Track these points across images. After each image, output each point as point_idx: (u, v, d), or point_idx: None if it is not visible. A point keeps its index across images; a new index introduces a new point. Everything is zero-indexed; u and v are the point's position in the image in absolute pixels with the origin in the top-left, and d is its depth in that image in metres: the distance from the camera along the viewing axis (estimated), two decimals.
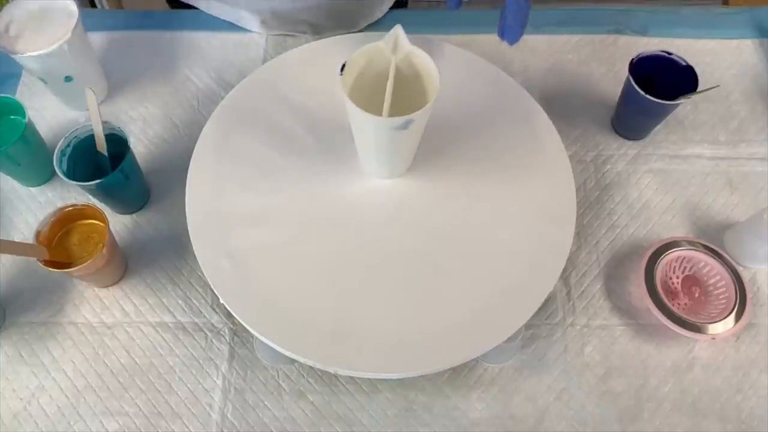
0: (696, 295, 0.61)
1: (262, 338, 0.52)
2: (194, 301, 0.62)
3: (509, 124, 0.63)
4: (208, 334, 0.61)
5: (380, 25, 0.80)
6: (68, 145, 0.61)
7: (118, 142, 0.61)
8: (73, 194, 0.67)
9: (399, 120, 0.49)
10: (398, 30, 0.52)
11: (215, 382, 0.59)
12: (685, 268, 0.63)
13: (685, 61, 0.66)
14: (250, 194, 0.59)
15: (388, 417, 0.58)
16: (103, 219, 0.58)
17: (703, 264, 0.62)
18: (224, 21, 0.80)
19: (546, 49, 0.78)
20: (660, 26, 0.80)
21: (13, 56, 0.62)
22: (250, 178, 0.60)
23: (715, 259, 0.61)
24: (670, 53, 0.66)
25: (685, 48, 0.72)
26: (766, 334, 0.61)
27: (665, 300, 0.59)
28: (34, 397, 0.58)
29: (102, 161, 0.62)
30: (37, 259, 0.56)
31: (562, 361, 0.60)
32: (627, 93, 0.67)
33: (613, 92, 0.70)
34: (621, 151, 0.71)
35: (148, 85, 0.75)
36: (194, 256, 0.55)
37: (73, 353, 0.60)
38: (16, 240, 0.65)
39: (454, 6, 0.55)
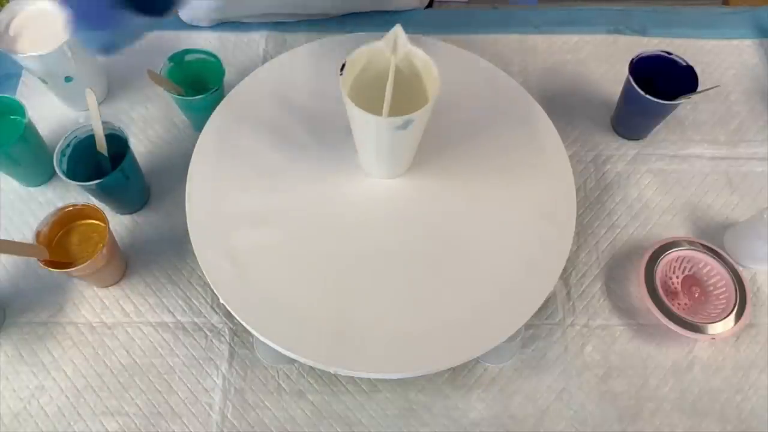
0: (696, 295, 0.61)
1: (262, 338, 0.52)
2: (194, 301, 0.62)
3: (509, 124, 0.63)
4: (208, 334, 0.61)
5: (380, 25, 0.80)
6: (68, 145, 0.61)
7: (118, 142, 0.61)
8: (73, 194, 0.67)
9: (399, 120, 0.49)
10: (398, 30, 0.52)
11: (215, 382, 0.59)
12: (685, 268, 0.63)
13: (685, 61, 0.66)
14: (250, 194, 0.59)
15: (388, 417, 0.58)
16: (103, 219, 0.58)
17: (703, 264, 0.62)
18: (224, 21, 0.80)
19: (545, 49, 0.78)
20: (660, 26, 0.80)
21: (13, 56, 0.62)
22: (250, 178, 0.60)
23: (715, 259, 0.61)
24: (670, 53, 0.66)
25: (685, 48, 0.72)
26: (766, 334, 0.61)
27: (665, 300, 0.59)
28: (34, 397, 0.58)
29: (102, 161, 0.62)
30: (37, 259, 0.56)
31: (562, 361, 0.60)
32: (627, 93, 0.67)
33: (613, 92, 0.70)
34: (621, 151, 0.71)
35: (148, 85, 0.75)
36: (194, 256, 0.55)
37: (73, 353, 0.60)
38: (16, 240, 0.65)
39: None
